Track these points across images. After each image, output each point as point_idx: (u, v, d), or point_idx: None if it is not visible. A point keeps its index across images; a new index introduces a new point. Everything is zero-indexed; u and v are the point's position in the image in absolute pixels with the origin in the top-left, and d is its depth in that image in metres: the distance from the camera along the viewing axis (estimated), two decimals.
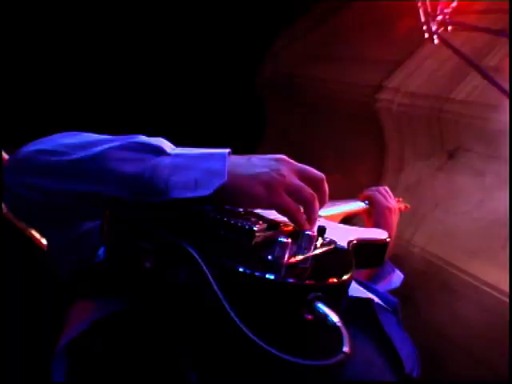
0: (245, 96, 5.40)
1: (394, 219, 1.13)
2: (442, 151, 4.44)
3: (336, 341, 0.46)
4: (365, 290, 0.75)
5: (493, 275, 4.32)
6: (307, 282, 0.50)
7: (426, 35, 4.37)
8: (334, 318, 0.49)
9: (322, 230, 0.64)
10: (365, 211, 1.21)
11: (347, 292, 0.57)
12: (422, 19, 4.33)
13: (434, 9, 4.22)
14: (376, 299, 0.74)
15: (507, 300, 4.25)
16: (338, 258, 0.61)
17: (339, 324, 0.48)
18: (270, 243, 0.53)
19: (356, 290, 0.73)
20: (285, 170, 0.62)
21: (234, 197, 0.60)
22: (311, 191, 0.62)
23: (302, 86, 6.08)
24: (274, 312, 0.50)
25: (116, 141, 0.66)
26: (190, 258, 0.50)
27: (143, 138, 0.67)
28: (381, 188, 1.23)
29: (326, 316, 0.49)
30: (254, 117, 5.63)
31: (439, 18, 4.22)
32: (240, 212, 0.63)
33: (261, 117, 5.81)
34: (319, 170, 0.67)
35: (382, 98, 4.86)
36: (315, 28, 5.95)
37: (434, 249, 4.63)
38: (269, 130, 6.92)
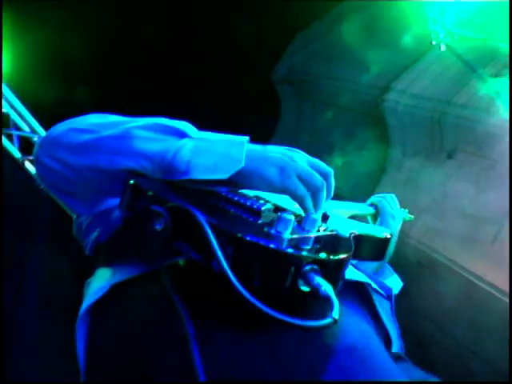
0: (262, 91, 5.67)
1: (396, 225, 1.15)
2: (441, 151, 4.69)
3: (328, 311, 0.48)
4: (364, 275, 0.75)
5: (481, 268, 4.60)
6: (304, 254, 0.51)
7: (433, 42, 4.66)
8: (328, 288, 0.50)
9: (325, 217, 0.63)
10: (370, 215, 1.22)
11: (343, 272, 0.57)
12: (431, 27, 4.63)
13: (443, 18, 4.52)
14: (373, 285, 0.74)
15: (492, 291, 4.53)
16: (338, 243, 0.60)
17: (332, 294, 0.49)
18: (275, 221, 0.53)
19: (356, 275, 0.72)
20: (298, 158, 0.64)
21: (249, 179, 0.62)
22: (321, 179, 0.62)
23: (313, 84, 6.39)
24: (272, 280, 0.51)
25: (142, 122, 0.68)
26: (198, 225, 0.52)
27: (168, 120, 0.68)
28: (388, 196, 1.21)
29: (319, 287, 0.50)
30: (268, 110, 5.91)
31: (446, 26, 4.51)
32: (251, 196, 0.62)
33: (275, 111, 6.10)
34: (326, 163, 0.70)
35: (389, 98, 5.12)
36: (329, 31, 6.24)
37: (429, 241, 4.91)
38: (282, 123, 7.26)
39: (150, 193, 0.59)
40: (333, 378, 0.54)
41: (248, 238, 0.50)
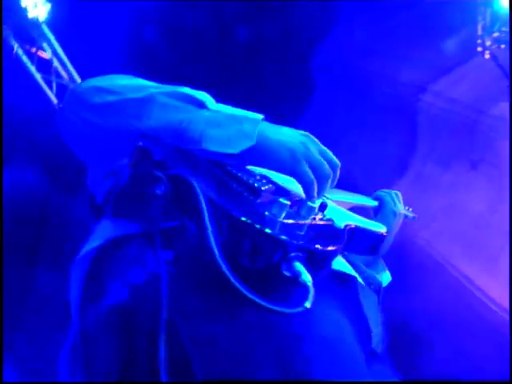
0: (299, 74, 5.69)
1: (396, 224, 1.15)
2: (466, 159, 4.69)
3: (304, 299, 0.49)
4: (351, 269, 0.74)
5: (484, 281, 4.64)
6: (294, 241, 0.52)
7: (479, 49, 4.58)
8: (307, 277, 0.51)
9: (323, 206, 0.63)
10: (372, 209, 1.20)
11: (328, 263, 0.58)
12: (479, 33, 4.54)
13: (492, 25, 4.42)
14: (359, 279, 0.74)
15: (493, 307, 4.57)
16: (331, 233, 0.61)
17: (309, 284, 0.50)
18: (272, 204, 0.54)
19: (344, 266, 0.72)
20: (310, 144, 0.64)
21: (259, 157, 0.62)
22: (330, 169, 0.63)
23: (352, 74, 6.37)
24: (257, 261, 0.53)
25: (164, 88, 0.69)
26: (194, 195, 0.54)
27: (189, 90, 0.69)
28: (393, 192, 1.20)
29: (300, 274, 0.51)
30: (302, 94, 5.94)
31: (495, 34, 4.42)
32: (256, 174, 0.62)
33: (309, 95, 6.13)
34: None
35: (425, 99, 5.10)
36: (374, 23, 6.18)
37: (437, 245, 4.96)
38: (313, 108, 7.27)
39: (157, 158, 0.61)
40: (298, 365, 0.55)
41: (241, 217, 0.52)
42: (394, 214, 1.17)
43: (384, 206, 1.18)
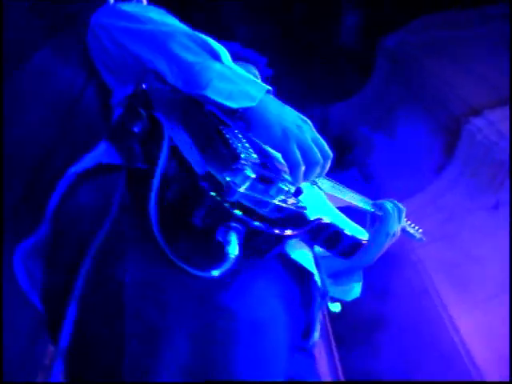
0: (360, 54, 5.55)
1: (386, 243, 1.05)
2: (492, 197, 4.51)
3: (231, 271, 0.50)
4: (312, 265, 0.73)
5: (468, 323, 4.57)
6: (239, 213, 0.52)
7: None
8: (233, 250, 0.51)
9: (298, 192, 0.62)
10: (371, 215, 1.12)
11: (269, 246, 0.57)
12: None
13: None
14: (316, 277, 0.73)
15: (463, 354, 4.51)
16: (296, 220, 0.60)
17: (231, 256, 0.50)
18: (239, 173, 0.54)
19: (305, 260, 0.71)
20: (305, 129, 0.65)
21: (254, 123, 0.64)
22: (319, 155, 0.64)
23: (412, 69, 6.14)
24: (196, 220, 0.53)
25: (188, 30, 0.72)
26: (161, 140, 0.56)
27: (209, 39, 0.73)
28: (400, 208, 1.10)
29: (228, 244, 0.51)
30: (358, 75, 5.79)
31: None
32: (244, 143, 0.62)
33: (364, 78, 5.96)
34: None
35: (474, 122, 4.88)
36: (456, 26, 5.91)
37: (431, 269, 4.87)
38: (360, 94, 7.07)
39: (152, 97, 0.63)
40: (217, 335, 0.54)
41: (201, 174, 0.53)
42: (387, 234, 1.06)
43: (380, 221, 1.07)
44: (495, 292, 4.25)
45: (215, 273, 0.50)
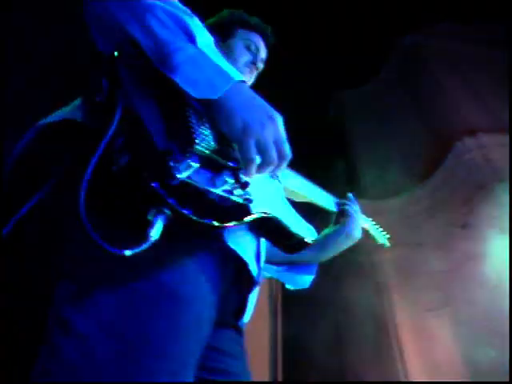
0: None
1: (345, 244, 1.06)
2: (463, 217, 4.61)
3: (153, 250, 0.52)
4: (248, 254, 0.73)
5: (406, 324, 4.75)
6: (173, 199, 0.53)
7: None
8: (155, 233, 0.52)
9: (245, 184, 0.64)
10: (332, 212, 1.11)
11: (206, 232, 0.60)
12: None
13: None
14: (250, 265, 0.73)
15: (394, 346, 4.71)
16: (235, 211, 0.61)
17: (151, 239, 0.51)
18: (186, 160, 0.56)
19: (242, 249, 0.71)
20: (269, 127, 0.65)
21: (216, 114, 0.65)
22: (275, 157, 0.64)
23: (421, 74, 6.19)
24: (131, 198, 0.55)
25: (169, 7, 0.72)
26: (115, 110, 0.57)
27: (190, 19, 0.73)
28: (359, 211, 1.11)
29: (153, 226, 0.52)
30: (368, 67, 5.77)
31: None
32: (206, 129, 0.65)
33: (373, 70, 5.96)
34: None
35: (467, 142, 4.95)
36: (468, 42, 5.98)
37: (387, 276, 5.07)
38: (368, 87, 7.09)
39: (119, 68, 0.65)
40: (140, 303, 0.55)
41: (158, 151, 0.55)
42: (347, 235, 1.06)
43: (344, 223, 1.05)
44: (437, 304, 4.49)
45: (128, 253, 0.50)
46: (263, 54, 1.07)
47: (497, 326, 3.41)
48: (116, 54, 0.66)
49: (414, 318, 4.75)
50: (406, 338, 4.75)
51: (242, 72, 0.99)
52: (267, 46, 1.09)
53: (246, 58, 1.01)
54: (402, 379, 4.45)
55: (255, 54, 1.03)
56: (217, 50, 0.78)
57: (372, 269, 5.06)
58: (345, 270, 4.77)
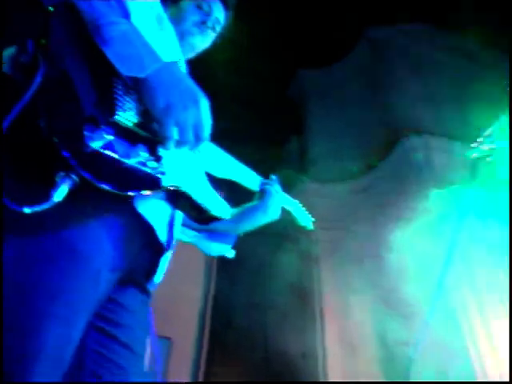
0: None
1: (262, 220, 1.11)
2: (396, 212, 4.78)
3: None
4: (157, 222, 0.76)
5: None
6: (77, 163, 0.56)
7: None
8: (58, 196, 0.55)
9: (158, 157, 0.67)
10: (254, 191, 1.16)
11: (117, 201, 0.63)
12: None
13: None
14: (157, 232, 0.76)
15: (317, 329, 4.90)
16: (146, 182, 0.65)
17: (52, 199, 0.54)
18: (103, 131, 0.59)
19: (154, 216, 0.74)
20: (191, 110, 0.68)
21: (142, 91, 0.67)
22: (192, 138, 0.68)
23: (383, 68, 6.37)
24: (42, 164, 0.57)
25: None
26: (35, 73, 0.59)
27: None
28: (280, 191, 1.15)
29: (56, 188, 0.55)
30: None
31: None
32: (130, 101, 0.67)
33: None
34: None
35: (413, 140, 5.17)
36: (436, 46, 6.16)
37: (324, 272, 5.26)
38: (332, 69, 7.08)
39: (53, 35, 0.65)
40: (39, 255, 0.58)
41: (83, 115, 0.58)
42: (265, 212, 1.11)
43: (265, 200, 1.11)
44: (361, 288, 4.71)
45: (27, 210, 0.52)
46: (219, 14, 1.03)
47: (411, 311, 3.65)
48: (51, 9, 0.66)
49: (338, 296, 5.01)
50: (328, 313, 5.03)
51: (190, 32, 0.98)
52: (226, 6, 1.06)
53: (195, 17, 0.99)
54: (320, 349, 4.78)
55: (207, 14, 1.00)
56: (161, 16, 0.79)
57: (308, 244, 5.22)
58: (282, 242, 4.94)
